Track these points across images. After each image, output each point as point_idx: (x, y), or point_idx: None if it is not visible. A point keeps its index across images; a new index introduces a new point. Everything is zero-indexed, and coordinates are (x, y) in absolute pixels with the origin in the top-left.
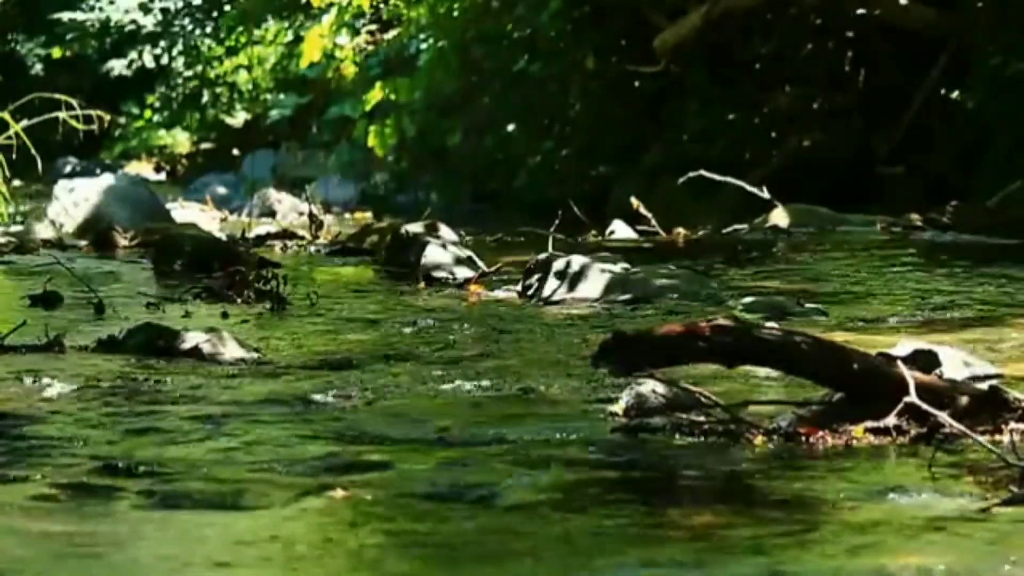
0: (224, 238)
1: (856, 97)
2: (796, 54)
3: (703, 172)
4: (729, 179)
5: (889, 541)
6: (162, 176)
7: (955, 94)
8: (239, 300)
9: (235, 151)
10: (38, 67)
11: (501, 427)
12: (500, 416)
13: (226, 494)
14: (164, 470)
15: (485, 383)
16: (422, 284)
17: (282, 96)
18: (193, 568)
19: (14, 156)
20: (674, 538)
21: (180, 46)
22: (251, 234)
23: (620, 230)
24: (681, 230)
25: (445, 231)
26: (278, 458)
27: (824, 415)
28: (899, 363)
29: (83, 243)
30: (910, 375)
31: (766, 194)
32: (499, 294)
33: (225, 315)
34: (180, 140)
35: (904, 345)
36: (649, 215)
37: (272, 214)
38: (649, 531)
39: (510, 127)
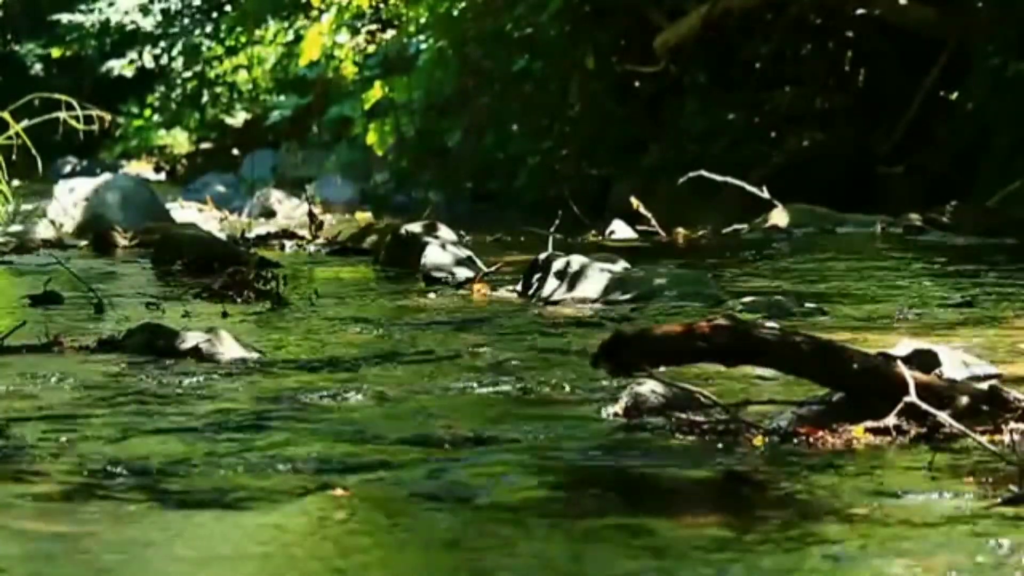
0: (224, 238)
1: (856, 97)
2: (796, 54)
3: (703, 172)
4: (729, 179)
5: (889, 541)
6: (162, 176)
7: (955, 94)
8: (239, 300)
9: (235, 151)
10: (38, 67)
11: (501, 427)
12: (500, 416)
13: (226, 494)
14: (164, 470)
15: (485, 383)
16: (422, 284)
17: (282, 96)
18: (192, 568)
19: (14, 156)
20: (673, 538)
21: (180, 46)
22: (251, 234)
23: (620, 230)
24: (681, 230)
25: (445, 231)
26: (278, 458)
27: (824, 415)
28: (899, 363)
29: (83, 243)
30: (910, 375)
31: (766, 194)
32: (499, 294)
33: (225, 315)
34: (180, 140)
35: (904, 345)
36: (649, 215)
37: (272, 214)
38: (648, 531)
39: (510, 127)
